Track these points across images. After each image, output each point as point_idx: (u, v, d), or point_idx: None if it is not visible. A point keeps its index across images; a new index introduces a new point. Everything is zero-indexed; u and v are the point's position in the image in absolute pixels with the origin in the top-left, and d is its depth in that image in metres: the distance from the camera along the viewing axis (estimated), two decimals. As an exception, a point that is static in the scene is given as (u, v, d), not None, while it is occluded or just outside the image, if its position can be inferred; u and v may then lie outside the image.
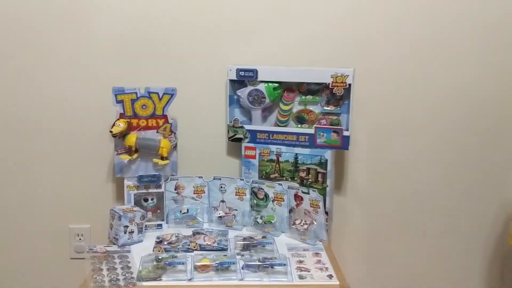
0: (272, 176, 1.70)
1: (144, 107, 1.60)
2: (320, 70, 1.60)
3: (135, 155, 1.63)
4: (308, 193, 1.57)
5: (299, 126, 1.70)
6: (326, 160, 1.62)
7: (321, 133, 1.63)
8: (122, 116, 1.59)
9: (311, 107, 1.69)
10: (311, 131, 1.64)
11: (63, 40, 1.69)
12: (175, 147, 1.66)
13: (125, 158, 1.61)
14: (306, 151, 1.64)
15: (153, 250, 1.48)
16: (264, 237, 1.55)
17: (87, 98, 1.74)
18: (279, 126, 1.70)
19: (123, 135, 1.58)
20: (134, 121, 1.61)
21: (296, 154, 1.65)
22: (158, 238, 1.55)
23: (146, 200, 1.67)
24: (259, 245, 1.48)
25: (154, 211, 1.68)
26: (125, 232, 1.50)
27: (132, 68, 1.72)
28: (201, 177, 1.70)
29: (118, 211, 1.53)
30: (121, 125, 1.57)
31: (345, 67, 1.58)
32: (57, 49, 1.70)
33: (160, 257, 1.35)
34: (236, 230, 1.64)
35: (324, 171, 1.63)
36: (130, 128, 1.60)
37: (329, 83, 1.59)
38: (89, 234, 1.82)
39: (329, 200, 1.65)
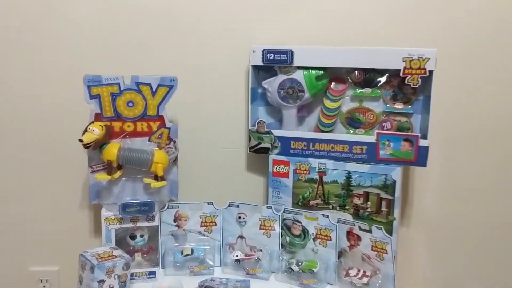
0: (312, 203, 1.22)
1: (130, 104, 1.13)
2: (387, 51, 1.12)
3: (118, 174, 1.15)
4: (369, 231, 1.09)
5: (351, 131, 1.22)
6: (394, 182, 1.14)
7: (386, 142, 1.15)
8: (98, 117, 1.12)
9: (369, 105, 1.20)
10: (371, 138, 1.16)
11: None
12: (174, 161, 1.18)
13: (103, 178, 1.13)
14: (364, 168, 1.16)
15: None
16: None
17: (53, 95, 1.27)
18: (322, 131, 1.22)
19: (99, 145, 1.11)
20: (116, 125, 1.14)
21: (349, 172, 1.17)
22: None
23: (133, 237, 1.19)
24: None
25: (145, 252, 1.20)
26: (100, 290, 1.03)
27: (116, 52, 1.25)
28: (212, 203, 1.22)
29: (90, 258, 1.05)
30: (96, 131, 1.09)
31: (422, 47, 1.10)
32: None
33: None
34: (261, 280, 1.19)
35: (391, 197, 1.15)
36: (110, 135, 1.13)
37: (399, 70, 1.11)
38: (56, 279, 1.35)
39: (395, 238, 1.17)
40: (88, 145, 1.09)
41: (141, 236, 1.20)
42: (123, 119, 1.13)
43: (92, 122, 1.11)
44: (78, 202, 1.31)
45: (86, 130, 1.10)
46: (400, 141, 1.14)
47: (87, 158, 1.15)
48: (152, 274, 1.18)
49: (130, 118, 1.14)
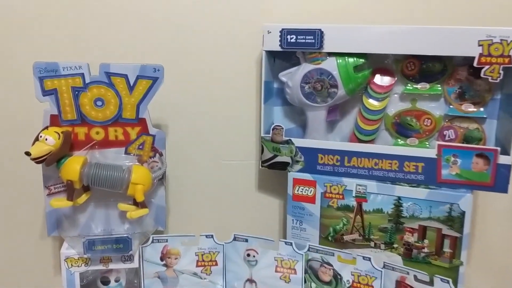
0: (347, 238, 0.91)
1: (99, 103, 0.83)
2: (455, 32, 0.80)
3: (83, 198, 0.86)
4: (430, 283, 0.78)
5: (400, 141, 0.91)
6: (462, 214, 0.83)
7: (452, 158, 0.84)
8: (55, 121, 0.83)
9: (425, 106, 0.89)
10: (430, 152, 0.85)
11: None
12: (161, 179, 0.89)
13: (60, 205, 0.84)
14: (420, 193, 0.85)
15: None
16: None
17: None
18: (361, 140, 0.91)
19: (56, 159, 0.81)
20: (80, 131, 0.84)
21: (399, 198, 0.86)
22: None
23: (106, 282, 0.90)
24: None
25: (123, 301, 0.92)
26: None
27: (81, 30, 0.95)
28: (211, 236, 0.92)
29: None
30: (50, 140, 0.79)
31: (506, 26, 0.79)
32: None
33: None
34: None
35: (457, 235, 0.84)
36: (70, 146, 0.83)
37: (471, 58, 0.80)
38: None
39: (462, 288, 0.86)
40: (39, 160, 0.80)
41: (117, 280, 0.90)
42: (90, 124, 0.84)
43: (46, 128, 0.82)
44: (32, 235, 1.01)
45: (36, 139, 0.81)
46: (471, 157, 0.83)
47: (42, 176, 0.86)
48: (131, 331, 0.90)
49: (99, 122, 0.84)
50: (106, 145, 0.86)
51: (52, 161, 0.81)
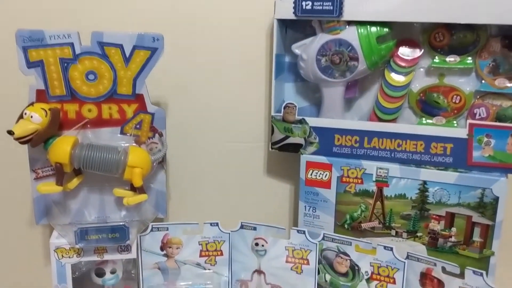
0: (365, 226, 0.84)
1: (91, 77, 0.74)
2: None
3: (75, 182, 0.78)
4: (459, 275, 0.71)
5: (425, 120, 0.83)
6: (495, 199, 0.76)
7: (484, 139, 0.76)
8: (42, 97, 0.74)
9: (454, 81, 0.80)
10: (460, 132, 0.77)
11: None
12: (161, 163, 0.81)
13: (49, 190, 0.75)
14: (448, 177, 0.77)
15: None
16: None
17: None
18: (381, 120, 0.83)
19: (43, 139, 0.73)
20: (71, 109, 0.75)
21: (424, 183, 0.79)
22: None
23: (101, 274, 0.82)
24: None
25: (120, 294, 0.84)
26: None
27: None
28: (216, 224, 0.85)
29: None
30: (36, 118, 0.70)
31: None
32: None
33: None
34: None
35: (489, 222, 0.77)
36: (59, 125, 0.75)
37: (509, 27, 0.71)
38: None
39: (492, 281, 0.79)
40: (24, 140, 0.71)
41: (112, 272, 0.83)
42: (81, 100, 0.75)
43: (31, 104, 0.73)
44: (19, 224, 0.92)
45: (21, 117, 0.72)
46: (506, 137, 0.75)
47: (28, 158, 0.77)
48: (129, 326, 0.82)
49: (92, 98, 0.75)
50: (100, 124, 0.77)
51: (39, 141, 0.72)
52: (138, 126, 0.78)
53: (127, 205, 0.77)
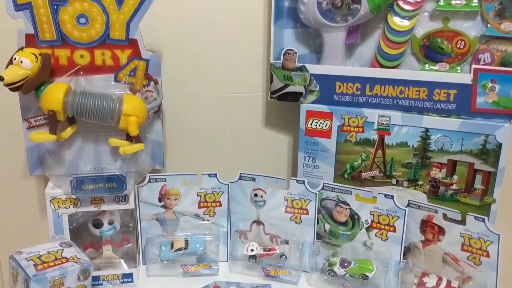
0: (366, 175, 0.83)
1: (83, 20, 0.72)
2: None
3: (69, 132, 0.76)
4: (461, 222, 0.71)
5: (427, 67, 0.81)
6: (498, 146, 0.75)
7: (489, 84, 0.74)
8: (31, 41, 0.72)
9: (459, 25, 0.78)
10: (464, 78, 0.76)
11: None
12: (157, 112, 0.79)
13: (43, 139, 0.74)
14: (451, 123, 0.77)
15: None
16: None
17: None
18: (383, 66, 0.81)
19: (35, 85, 0.71)
20: (62, 54, 0.73)
21: (426, 130, 0.78)
22: None
23: (98, 225, 0.82)
24: None
25: (118, 245, 0.84)
26: (41, 314, 0.67)
27: None
28: (215, 175, 0.84)
29: (24, 264, 0.68)
30: (27, 63, 0.68)
31: None
32: None
33: None
34: (287, 285, 0.84)
35: (491, 169, 0.76)
36: (51, 71, 0.72)
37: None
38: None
39: (492, 227, 0.79)
40: (14, 86, 0.69)
41: (110, 223, 0.82)
42: (72, 45, 0.73)
43: (21, 49, 0.71)
44: (13, 176, 0.91)
45: (10, 62, 0.69)
46: (511, 83, 0.74)
47: (19, 107, 0.75)
48: (128, 277, 0.82)
49: (84, 43, 0.73)
50: (93, 71, 0.75)
51: (30, 88, 0.70)
52: (132, 73, 0.76)
53: (123, 155, 0.76)
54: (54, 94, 0.71)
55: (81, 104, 0.72)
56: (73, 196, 0.76)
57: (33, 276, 0.66)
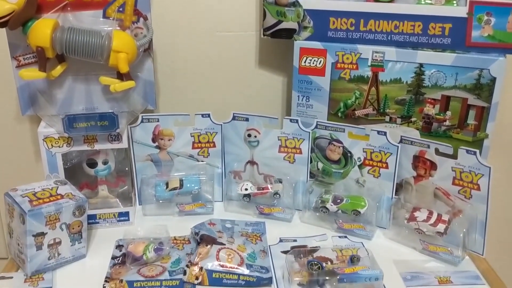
0: (359, 113, 0.84)
1: (68, -48, 0.70)
2: None
3: (58, 70, 0.76)
4: (453, 157, 0.72)
5: (423, 1, 0.79)
6: (492, 80, 0.75)
7: (484, 17, 0.74)
8: (16, -25, 0.70)
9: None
10: (459, 11, 0.75)
11: None
12: (147, 50, 0.78)
13: (32, 76, 0.74)
14: (445, 58, 0.76)
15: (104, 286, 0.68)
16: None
17: None
18: (378, 0, 0.79)
19: (21, 21, 0.70)
20: (48, -11, 0.72)
21: (421, 65, 0.78)
22: (119, 246, 0.77)
23: (93, 164, 0.83)
24: (341, 275, 0.67)
25: (113, 185, 0.86)
26: (39, 248, 0.69)
27: None
28: (208, 115, 0.85)
29: (20, 200, 0.69)
30: (12, -3, 0.68)
31: None
32: None
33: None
34: (281, 222, 0.87)
35: (484, 104, 0.77)
36: (37, 7, 0.71)
37: None
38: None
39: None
40: (0, 21, 0.68)
41: (104, 163, 0.83)
42: (59, -21, 0.72)
43: (4, -18, 0.70)
44: (6, 117, 0.92)
45: (-7, -4, 0.69)
46: (507, 15, 0.73)
47: (8, 44, 0.75)
48: (124, 216, 0.84)
49: (70, -24, 0.72)
50: (80, 6, 0.74)
51: (16, 23, 0.70)
52: (121, 9, 0.75)
53: (114, 92, 0.76)
54: (42, 30, 0.70)
55: (69, 40, 0.71)
56: (66, 135, 0.76)
57: (28, 211, 0.68)
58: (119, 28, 0.75)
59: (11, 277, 0.70)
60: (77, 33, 0.72)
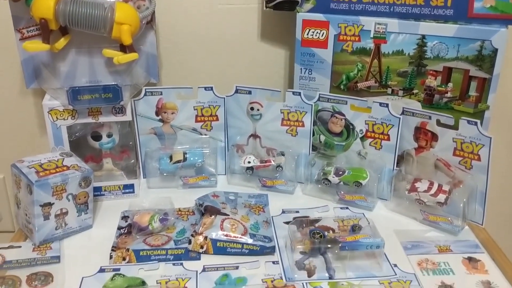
0: (361, 85, 0.84)
1: None
2: None
3: (62, 42, 0.76)
4: (454, 128, 0.73)
5: (426, -28, 0.80)
6: (494, 52, 0.75)
7: (487, -13, 0.74)
8: None
9: None
10: (461, -17, 0.75)
11: None
12: (150, 23, 0.79)
13: (36, 48, 0.74)
14: (447, 30, 0.77)
15: (111, 256, 0.69)
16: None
17: None
18: (381, -27, 0.80)
19: (24, -7, 0.70)
20: (50, -40, 0.72)
21: (423, 37, 0.78)
22: (125, 217, 0.79)
23: (97, 137, 0.84)
24: (342, 243, 0.69)
25: (118, 158, 0.87)
26: (46, 218, 0.70)
27: None
28: (211, 88, 0.85)
29: (26, 171, 0.70)
30: (14, -32, 0.68)
31: None
32: None
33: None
34: (284, 195, 0.88)
35: (486, 76, 0.77)
36: (40, -21, 0.72)
37: None
38: (3, 188, 1.02)
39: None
40: (2, -7, 0.69)
41: (109, 135, 0.84)
42: (61, -50, 0.71)
43: (7, -47, 0.70)
44: (10, 91, 0.92)
45: (-3, -33, 0.69)
46: (510, -15, 0.74)
47: (11, 17, 0.75)
48: (129, 188, 0.85)
49: None
50: (83, -21, 0.74)
51: (20, -5, 0.70)
52: (123, -19, 0.75)
53: (117, 64, 0.76)
54: (45, 2, 0.71)
55: (72, 12, 0.72)
56: (70, 107, 0.77)
57: (35, 182, 0.69)
58: (121, 0, 0.76)
59: (20, 246, 0.72)
60: (80, 5, 0.72)
